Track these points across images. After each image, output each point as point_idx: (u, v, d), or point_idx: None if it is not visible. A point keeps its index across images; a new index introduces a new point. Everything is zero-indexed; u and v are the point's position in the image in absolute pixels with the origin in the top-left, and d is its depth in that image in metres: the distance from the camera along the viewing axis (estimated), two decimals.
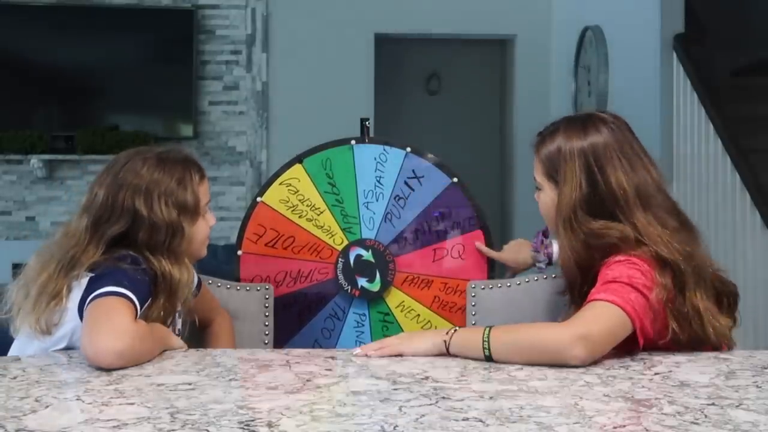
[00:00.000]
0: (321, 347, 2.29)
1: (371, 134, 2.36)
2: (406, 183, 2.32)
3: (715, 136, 3.61)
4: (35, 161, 5.23)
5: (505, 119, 5.96)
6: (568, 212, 1.63)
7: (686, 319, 1.56)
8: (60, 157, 5.30)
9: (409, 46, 5.84)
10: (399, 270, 2.32)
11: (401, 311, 2.33)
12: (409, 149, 2.34)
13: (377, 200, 2.33)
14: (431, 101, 5.94)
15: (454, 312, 2.30)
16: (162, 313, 1.68)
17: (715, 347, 1.60)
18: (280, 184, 2.33)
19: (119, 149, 5.37)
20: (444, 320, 2.30)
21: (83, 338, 1.49)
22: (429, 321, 2.31)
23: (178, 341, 1.68)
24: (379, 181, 2.31)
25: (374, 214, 2.33)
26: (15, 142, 5.22)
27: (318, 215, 2.32)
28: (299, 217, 2.32)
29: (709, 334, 1.58)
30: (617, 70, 4.65)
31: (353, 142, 2.34)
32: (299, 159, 2.34)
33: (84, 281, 1.62)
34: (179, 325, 1.82)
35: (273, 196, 2.32)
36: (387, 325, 2.32)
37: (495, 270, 2.34)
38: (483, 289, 2.16)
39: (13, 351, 1.70)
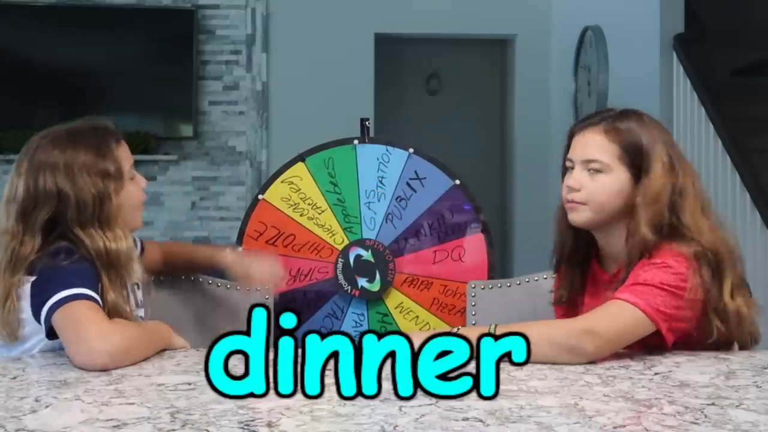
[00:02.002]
0: None
1: (371, 134, 2.37)
2: (408, 184, 2.32)
3: (715, 136, 3.61)
4: None
5: (505, 119, 5.96)
6: (655, 196, 1.63)
7: (726, 313, 1.58)
8: None
9: (409, 46, 5.84)
10: (399, 271, 2.31)
11: (400, 312, 2.32)
12: (411, 150, 2.33)
13: (379, 200, 2.33)
14: (431, 101, 5.94)
15: (453, 314, 2.30)
16: (114, 289, 1.64)
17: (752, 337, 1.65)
18: (282, 181, 2.33)
19: None
20: (443, 322, 2.30)
21: (69, 352, 1.49)
22: (428, 323, 2.31)
23: (180, 341, 1.67)
24: (381, 182, 2.31)
25: (375, 214, 2.33)
26: (15, 142, 5.21)
27: (319, 214, 2.32)
28: (300, 215, 2.32)
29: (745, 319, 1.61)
30: (617, 70, 4.65)
31: (356, 141, 2.34)
32: (301, 157, 2.34)
33: (27, 287, 1.59)
34: (140, 296, 1.80)
35: (274, 194, 2.32)
36: (385, 326, 2.32)
37: (495, 271, 2.34)
38: (483, 289, 2.16)
39: None
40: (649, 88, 4.15)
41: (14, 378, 1.38)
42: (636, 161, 1.66)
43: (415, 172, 2.33)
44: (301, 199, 2.32)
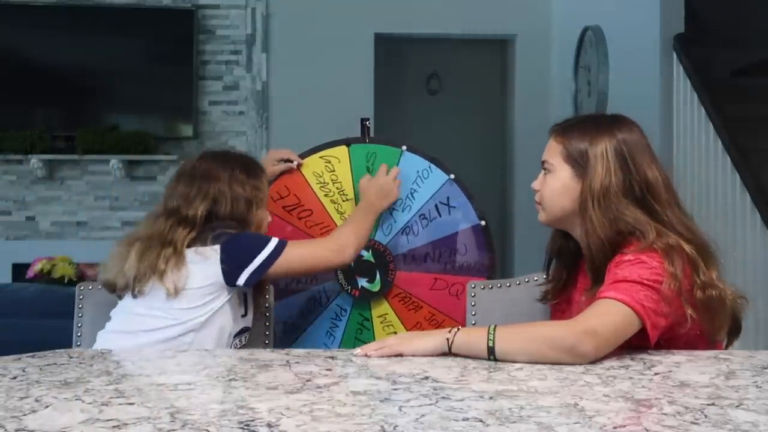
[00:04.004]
0: (293, 323, 2.30)
1: (371, 134, 2.37)
2: (436, 206, 2.32)
3: (715, 136, 3.61)
4: (35, 161, 5.23)
5: (505, 119, 5.96)
6: (599, 191, 1.65)
7: (698, 304, 1.58)
8: (60, 157, 5.30)
9: (409, 46, 5.84)
10: (396, 284, 2.31)
11: (381, 323, 2.32)
12: (452, 176, 2.33)
13: (403, 211, 2.33)
14: (431, 101, 5.94)
15: None
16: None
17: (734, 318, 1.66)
18: (321, 157, 2.34)
19: (119, 149, 5.35)
20: None
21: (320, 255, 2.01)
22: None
23: (388, 195, 2.22)
24: (412, 194, 2.31)
25: (395, 222, 2.32)
26: (15, 142, 5.21)
27: (343, 201, 2.32)
28: (325, 195, 2.32)
29: (726, 301, 1.62)
30: (617, 70, 4.65)
31: (404, 147, 2.34)
32: (347, 142, 2.35)
33: (211, 253, 1.86)
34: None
35: (308, 166, 2.34)
36: (362, 329, 2.32)
37: (495, 272, 2.34)
38: (483, 289, 2.16)
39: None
40: (649, 88, 4.15)
41: (14, 378, 1.38)
42: (578, 159, 1.70)
43: (448, 198, 2.33)
44: (331, 180, 2.32)
